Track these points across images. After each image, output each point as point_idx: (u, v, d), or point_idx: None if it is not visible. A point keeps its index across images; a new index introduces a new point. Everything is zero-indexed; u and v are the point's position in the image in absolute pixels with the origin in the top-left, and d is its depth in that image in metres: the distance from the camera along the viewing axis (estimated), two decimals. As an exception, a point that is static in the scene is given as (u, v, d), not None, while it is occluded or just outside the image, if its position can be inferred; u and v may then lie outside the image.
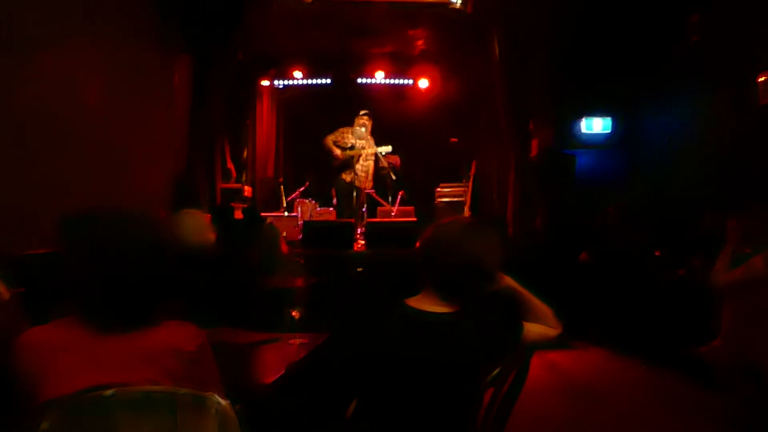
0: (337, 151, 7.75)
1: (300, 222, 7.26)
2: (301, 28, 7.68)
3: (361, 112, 7.85)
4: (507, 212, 7.22)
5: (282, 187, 8.63)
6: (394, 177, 8.03)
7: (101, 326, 1.40)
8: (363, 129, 7.76)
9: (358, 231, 6.98)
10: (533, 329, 1.88)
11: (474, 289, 1.80)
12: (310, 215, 7.91)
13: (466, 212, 8.26)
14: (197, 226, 3.32)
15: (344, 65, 9.42)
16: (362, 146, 7.77)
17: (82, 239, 1.46)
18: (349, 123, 7.87)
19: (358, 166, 7.85)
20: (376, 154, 7.84)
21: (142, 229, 1.48)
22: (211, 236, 3.60)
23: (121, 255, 1.42)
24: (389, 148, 7.86)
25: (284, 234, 5.60)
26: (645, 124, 6.58)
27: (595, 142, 6.97)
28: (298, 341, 2.37)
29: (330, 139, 7.81)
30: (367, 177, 7.94)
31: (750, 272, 2.98)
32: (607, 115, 6.98)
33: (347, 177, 7.82)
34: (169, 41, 6.13)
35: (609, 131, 6.99)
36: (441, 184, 8.80)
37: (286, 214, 7.85)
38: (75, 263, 1.44)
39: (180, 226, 3.04)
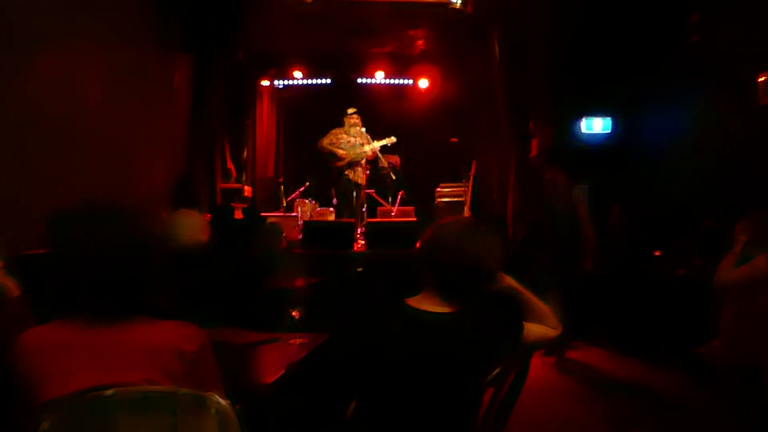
0: (341, 152, 7.64)
1: (300, 222, 7.26)
2: (301, 28, 7.67)
3: (350, 111, 7.74)
4: (507, 212, 7.22)
5: (282, 187, 8.63)
6: (394, 177, 8.01)
7: (91, 318, 1.41)
8: (357, 128, 7.70)
9: (358, 231, 6.98)
10: (533, 329, 1.88)
11: (474, 289, 1.80)
12: (310, 215, 7.90)
13: (466, 212, 8.25)
14: (192, 225, 3.34)
15: (344, 65, 9.42)
16: (361, 143, 7.70)
17: (69, 232, 1.47)
18: (342, 123, 7.79)
19: (361, 166, 7.79)
20: (374, 153, 7.78)
21: (128, 222, 1.49)
22: (205, 234, 3.59)
23: (105, 245, 1.43)
24: (393, 139, 7.75)
25: (284, 234, 5.60)
26: (645, 124, 6.57)
27: (595, 142, 6.97)
28: (298, 341, 2.37)
29: (326, 142, 7.66)
30: (363, 173, 7.88)
31: (752, 272, 2.98)
32: (607, 115, 6.98)
33: (352, 175, 7.74)
34: (169, 41, 6.13)
35: (609, 131, 6.99)
36: (441, 184, 8.79)
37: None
38: (63, 255, 1.46)
39: (175, 225, 3.04)
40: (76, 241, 1.46)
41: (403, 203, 8.29)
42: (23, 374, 1.36)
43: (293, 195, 8.47)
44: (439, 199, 8.68)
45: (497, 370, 1.76)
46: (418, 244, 1.88)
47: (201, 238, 3.25)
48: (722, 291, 3.19)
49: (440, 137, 9.20)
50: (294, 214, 7.84)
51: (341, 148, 7.63)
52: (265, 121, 9.75)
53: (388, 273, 5.11)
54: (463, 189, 8.63)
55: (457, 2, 7.05)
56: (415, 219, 7.46)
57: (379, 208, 8.35)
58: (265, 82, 9.58)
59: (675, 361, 4.40)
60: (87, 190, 4.05)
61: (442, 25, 7.71)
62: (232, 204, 7.09)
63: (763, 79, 4.99)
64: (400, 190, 8.32)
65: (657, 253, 5.44)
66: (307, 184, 8.51)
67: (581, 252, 4.91)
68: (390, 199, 8.25)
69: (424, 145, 9.36)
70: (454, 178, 8.91)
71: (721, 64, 5.43)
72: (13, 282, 1.91)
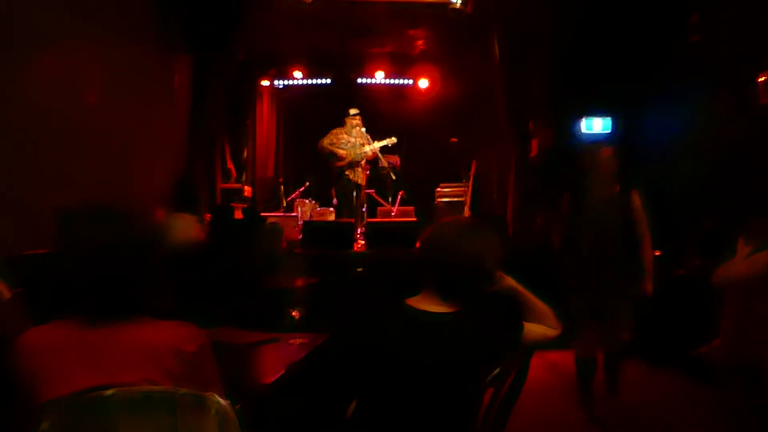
0: (342, 152, 7.60)
1: (300, 222, 7.26)
2: (301, 28, 7.68)
3: (352, 112, 7.71)
4: (507, 212, 7.22)
5: (282, 187, 8.64)
6: (394, 177, 8.01)
7: (91, 318, 1.41)
8: (358, 128, 7.68)
9: (358, 231, 6.98)
10: (533, 329, 1.88)
11: (474, 289, 1.80)
12: (310, 215, 7.90)
13: (466, 212, 8.26)
14: (183, 229, 3.35)
15: (344, 65, 9.42)
16: (361, 144, 7.68)
17: (74, 231, 1.48)
18: (343, 123, 7.77)
19: (361, 166, 7.77)
20: (374, 153, 7.76)
21: (128, 222, 1.50)
22: (200, 236, 3.59)
23: (106, 245, 1.44)
24: (393, 140, 7.71)
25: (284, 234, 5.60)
26: (645, 124, 6.57)
27: (595, 142, 6.97)
28: (298, 341, 2.37)
29: (326, 143, 7.61)
30: (363, 173, 7.85)
31: (753, 269, 2.97)
32: (607, 115, 6.98)
33: (352, 175, 7.70)
34: (169, 41, 6.13)
35: (609, 131, 6.99)
36: (441, 184, 8.80)
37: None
38: (66, 253, 1.47)
39: (167, 228, 3.05)
40: (77, 240, 1.47)
41: (403, 203, 8.30)
42: (23, 374, 1.36)
43: (293, 195, 8.47)
44: (439, 199, 8.68)
45: (497, 370, 1.76)
46: (417, 244, 1.88)
47: (191, 242, 3.25)
48: (722, 291, 3.19)
49: (440, 137, 9.21)
50: (294, 214, 7.84)
51: (342, 148, 7.60)
52: (265, 121, 9.76)
53: (388, 273, 5.11)
54: (463, 189, 8.64)
55: (457, 2, 7.05)
56: (415, 219, 7.46)
57: (379, 208, 8.35)
58: (265, 82, 9.59)
59: (675, 361, 4.39)
60: (86, 190, 4.06)
61: (442, 25, 7.71)
62: (232, 204, 7.09)
63: (763, 79, 4.98)
64: (400, 190, 8.32)
65: (657, 253, 5.43)
66: (307, 184, 8.51)
67: (639, 266, 3.64)
68: (390, 199, 8.25)
69: (424, 145, 9.36)
70: (454, 178, 8.91)
71: (721, 64, 5.43)
72: (3, 285, 1.90)
